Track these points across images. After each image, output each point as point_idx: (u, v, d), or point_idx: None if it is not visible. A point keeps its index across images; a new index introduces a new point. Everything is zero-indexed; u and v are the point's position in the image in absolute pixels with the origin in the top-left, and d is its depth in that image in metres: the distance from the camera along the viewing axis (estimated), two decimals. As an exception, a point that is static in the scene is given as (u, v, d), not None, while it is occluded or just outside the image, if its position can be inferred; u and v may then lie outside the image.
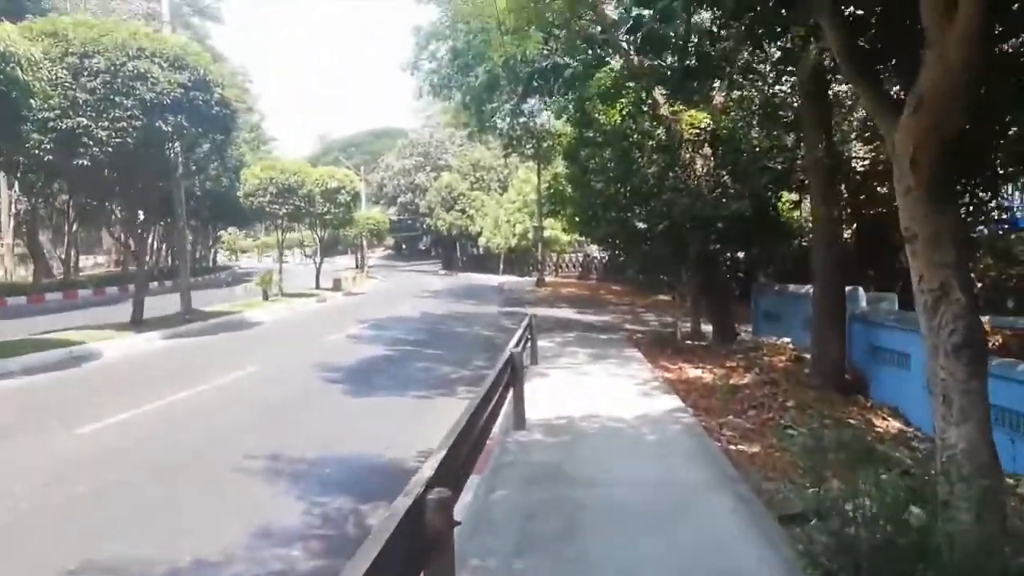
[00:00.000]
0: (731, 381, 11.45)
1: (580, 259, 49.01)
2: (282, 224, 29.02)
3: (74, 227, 37.13)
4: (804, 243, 18.70)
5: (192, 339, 15.90)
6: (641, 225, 12.91)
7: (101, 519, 5.28)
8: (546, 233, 44.84)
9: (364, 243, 52.27)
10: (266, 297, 24.90)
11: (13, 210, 35.75)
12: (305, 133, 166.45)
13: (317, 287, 32.99)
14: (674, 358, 13.31)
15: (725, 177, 13.30)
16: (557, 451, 6.64)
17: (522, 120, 36.36)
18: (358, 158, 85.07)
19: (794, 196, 16.78)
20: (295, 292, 29.93)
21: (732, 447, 7.65)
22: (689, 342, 15.47)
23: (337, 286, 35.05)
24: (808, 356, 12.86)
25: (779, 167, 13.43)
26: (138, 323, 16.65)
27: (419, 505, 2.86)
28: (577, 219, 15.23)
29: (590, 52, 20.21)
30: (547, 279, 42.64)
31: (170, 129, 15.06)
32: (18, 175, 19.12)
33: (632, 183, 13.03)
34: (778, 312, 15.71)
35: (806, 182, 14.41)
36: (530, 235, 47.25)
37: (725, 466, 6.58)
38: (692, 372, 12.07)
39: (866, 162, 14.39)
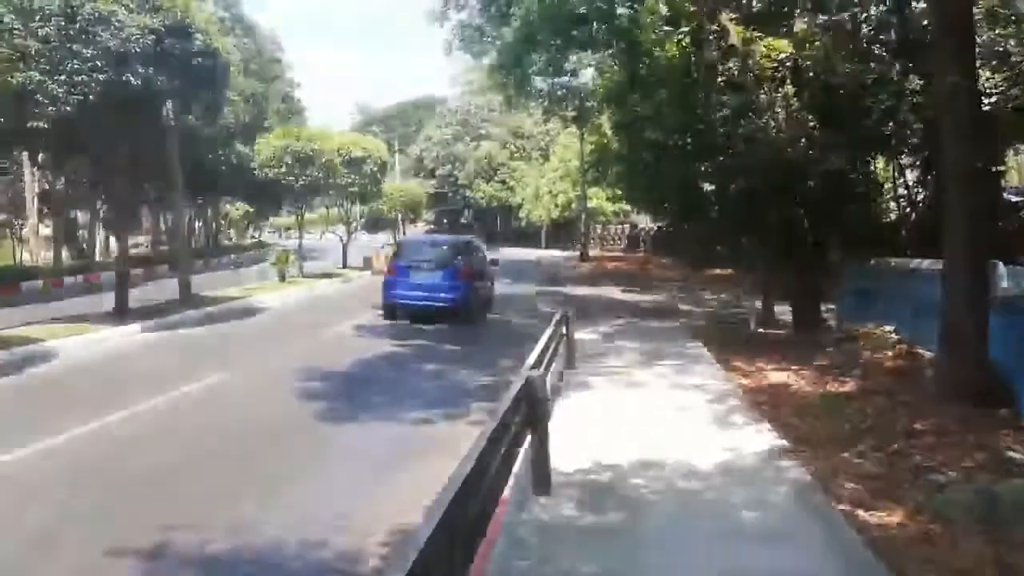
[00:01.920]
0: (829, 389, 8.75)
1: (626, 231, 46.06)
2: (304, 198, 26.77)
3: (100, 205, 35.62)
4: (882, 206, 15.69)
5: (177, 332, 13.72)
6: (708, 186, 10.12)
7: None
8: (590, 203, 42.02)
9: (400, 218, 50.04)
10: (283, 279, 22.79)
11: (37, 188, 34.42)
12: (345, 106, 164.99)
13: (344, 266, 30.89)
14: (749, 355, 10.58)
15: (812, 123, 10.39)
16: (599, 546, 4.07)
17: (562, 79, 33.51)
18: (399, 130, 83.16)
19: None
20: (320, 272, 27.88)
21: (865, 514, 5.01)
22: (762, 330, 12.71)
23: (367, 265, 32.98)
24: (923, 352, 10.08)
25: (883, 107, 10.43)
26: (121, 313, 14.59)
27: None
28: (626, 182, 12.43)
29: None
30: (591, 253, 39.86)
31: (140, 83, 12.74)
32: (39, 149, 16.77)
33: (695, 132, 10.25)
34: (874, 292, 12.76)
35: (914, 127, 11.40)
36: (573, 206, 44.44)
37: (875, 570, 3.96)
38: (775, 376, 9.36)
39: (991, 99, 11.21)
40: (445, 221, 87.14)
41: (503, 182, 58.18)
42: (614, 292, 21.78)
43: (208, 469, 5.92)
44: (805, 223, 11.70)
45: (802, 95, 10.47)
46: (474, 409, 7.74)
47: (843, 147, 10.06)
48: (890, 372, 9.34)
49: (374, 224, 58.46)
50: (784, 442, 6.13)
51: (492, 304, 16.99)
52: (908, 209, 15.92)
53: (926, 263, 10.73)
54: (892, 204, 15.79)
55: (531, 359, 5.45)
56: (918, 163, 13.28)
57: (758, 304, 12.66)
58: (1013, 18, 11.42)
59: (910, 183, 14.51)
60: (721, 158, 10.23)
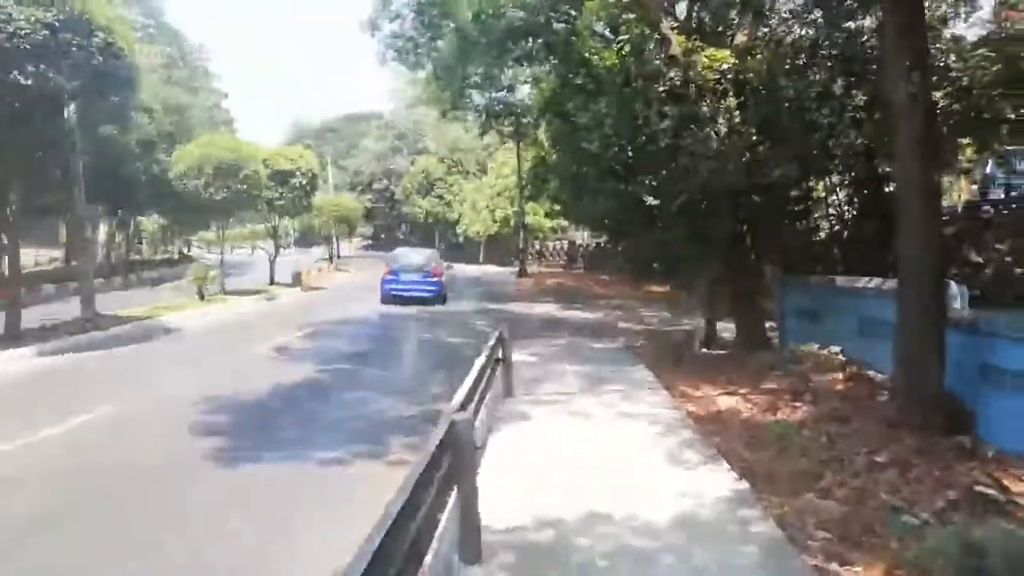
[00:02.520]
0: (781, 416, 8.24)
1: (564, 247, 45.79)
2: (226, 211, 25.13)
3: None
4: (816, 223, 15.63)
5: (73, 356, 12.34)
6: (650, 200, 9.56)
7: None
8: (528, 219, 41.55)
9: (334, 233, 48.52)
10: (202, 296, 21.29)
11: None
12: (279, 121, 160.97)
13: (272, 282, 29.40)
14: (695, 377, 10.05)
15: (755, 136, 9.97)
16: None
17: (499, 94, 33.04)
18: (334, 144, 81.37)
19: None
20: (244, 289, 26.40)
21: (842, 570, 4.43)
22: (706, 350, 12.22)
23: (296, 281, 31.59)
24: (873, 374, 9.76)
25: (825, 122, 10.12)
26: (13, 336, 13.09)
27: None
28: (564, 195, 11.76)
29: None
30: (529, 269, 39.31)
31: (31, 82, 11.47)
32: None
33: (637, 144, 9.69)
34: (817, 311, 12.46)
35: (856, 143, 11.15)
36: (511, 221, 43.90)
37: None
38: (724, 402, 8.81)
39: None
40: (382, 236, 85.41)
41: (440, 197, 57.28)
42: (553, 310, 21.19)
43: (56, 534, 4.86)
44: (748, 240, 11.32)
45: (745, 108, 10.06)
46: (396, 446, 6.89)
47: (786, 162, 9.65)
48: (841, 396, 8.93)
49: (305, 240, 56.65)
50: (744, 484, 5.50)
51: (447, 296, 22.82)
52: (838, 227, 15.85)
53: (872, 282, 10.45)
54: (823, 223, 15.67)
55: (459, 395, 4.64)
56: (846, 181, 13.05)
57: (700, 323, 12.17)
58: (951, 36, 11.37)
59: (841, 200, 14.35)
60: (664, 172, 9.70)
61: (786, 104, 9.75)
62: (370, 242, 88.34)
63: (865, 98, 10.31)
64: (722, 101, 10.13)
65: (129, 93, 14.43)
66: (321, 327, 16.10)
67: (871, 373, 9.78)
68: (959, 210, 18.34)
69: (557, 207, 24.07)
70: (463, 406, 4.30)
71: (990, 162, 18.65)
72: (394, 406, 8.53)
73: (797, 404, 8.67)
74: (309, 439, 7.00)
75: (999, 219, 14.66)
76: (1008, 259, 13.17)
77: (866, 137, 10.45)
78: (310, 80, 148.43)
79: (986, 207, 17.14)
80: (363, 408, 8.43)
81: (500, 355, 8.27)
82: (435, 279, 21.59)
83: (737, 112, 10.18)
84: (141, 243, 32.75)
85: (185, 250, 62.08)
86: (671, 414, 7.63)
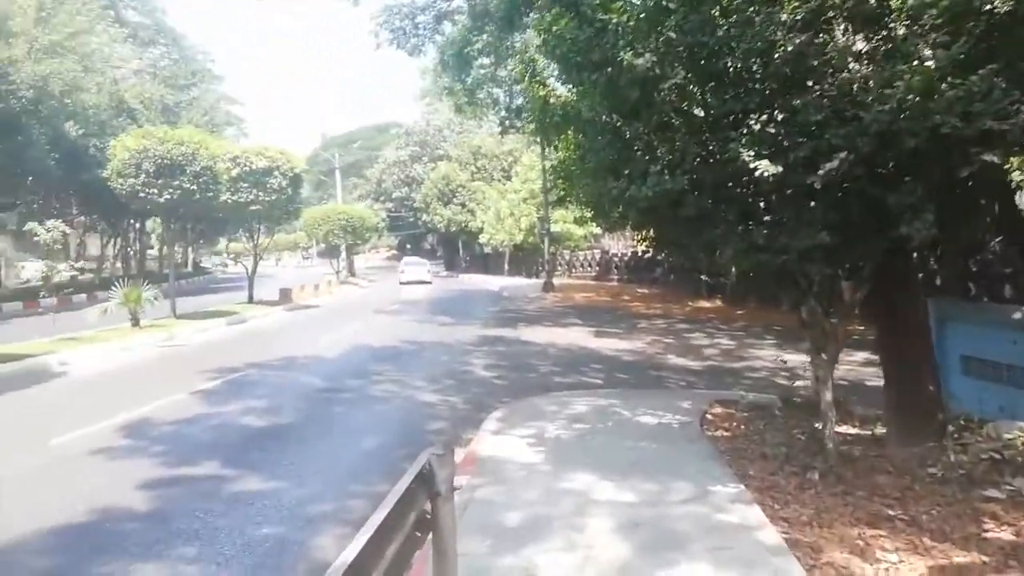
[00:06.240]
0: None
1: (597, 257, 40.90)
2: (172, 216, 20.63)
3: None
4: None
5: None
6: (763, 166, 4.63)
7: None
8: (556, 227, 36.86)
9: (341, 243, 44.19)
10: (136, 323, 16.84)
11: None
12: (308, 132, 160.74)
13: (251, 301, 25.10)
14: (842, 511, 5.14)
15: (933, 49, 5.00)
16: None
17: (519, 86, 28.68)
18: (359, 154, 79.31)
19: None
20: (214, 310, 22.16)
21: None
22: (840, 429, 7.17)
23: (286, 298, 27.45)
24: None
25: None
26: None
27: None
28: (587, 167, 6.60)
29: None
30: (557, 282, 34.43)
31: None
32: None
33: (734, 62, 4.84)
34: (1014, 359, 7.46)
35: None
36: (536, 230, 39.24)
37: None
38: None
39: None
40: (408, 247, 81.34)
41: (463, 205, 52.92)
42: (581, 336, 16.35)
43: None
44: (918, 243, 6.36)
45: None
46: None
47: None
48: None
49: (331, 252, 52.80)
50: None
51: None
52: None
53: None
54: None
55: None
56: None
57: (828, 391, 7.11)
58: None
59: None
60: (780, 116, 4.86)
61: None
62: (395, 253, 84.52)
63: None
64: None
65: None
66: (247, 375, 11.47)
67: None
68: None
69: (587, 209, 19.32)
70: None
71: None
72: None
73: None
74: None
75: None
76: None
77: None
78: (340, 93, 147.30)
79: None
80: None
81: (428, 508, 3.52)
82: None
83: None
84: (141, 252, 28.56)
85: (216, 262, 59.57)
86: None
